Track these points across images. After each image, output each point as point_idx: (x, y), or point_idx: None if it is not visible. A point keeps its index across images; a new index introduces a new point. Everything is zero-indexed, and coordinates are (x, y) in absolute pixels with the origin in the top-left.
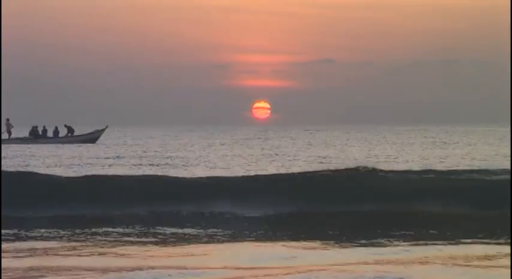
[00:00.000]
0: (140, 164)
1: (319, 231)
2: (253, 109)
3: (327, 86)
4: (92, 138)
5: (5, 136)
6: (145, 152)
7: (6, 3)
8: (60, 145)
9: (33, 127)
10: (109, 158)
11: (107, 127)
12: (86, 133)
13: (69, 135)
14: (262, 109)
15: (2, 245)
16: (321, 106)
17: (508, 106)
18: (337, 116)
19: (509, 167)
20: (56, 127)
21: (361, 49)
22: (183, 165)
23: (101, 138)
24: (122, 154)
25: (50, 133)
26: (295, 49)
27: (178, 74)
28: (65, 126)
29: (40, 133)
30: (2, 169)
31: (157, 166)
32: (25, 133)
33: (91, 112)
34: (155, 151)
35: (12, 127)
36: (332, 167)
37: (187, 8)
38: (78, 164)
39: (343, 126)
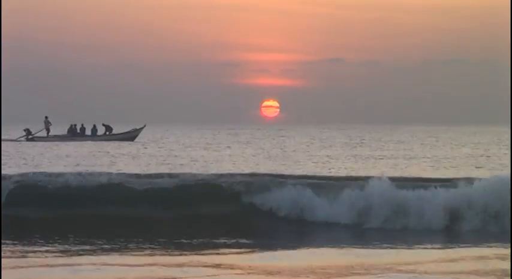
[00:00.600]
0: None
1: None
2: (262, 108)
3: (336, 85)
4: (130, 137)
5: (43, 133)
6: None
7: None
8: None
9: (71, 125)
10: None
11: (145, 125)
12: (123, 131)
13: (107, 133)
14: (271, 108)
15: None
16: (330, 106)
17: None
18: (346, 115)
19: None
20: (94, 125)
21: (370, 48)
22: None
23: (138, 136)
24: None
25: (88, 131)
26: (304, 48)
27: (187, 72)
28: (103, 124)
29: (78, 131)
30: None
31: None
32: (64, 131)
33: (97, 110)
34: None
35: (51, 124)
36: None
37: (197, 6)
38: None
39: (352, 126)
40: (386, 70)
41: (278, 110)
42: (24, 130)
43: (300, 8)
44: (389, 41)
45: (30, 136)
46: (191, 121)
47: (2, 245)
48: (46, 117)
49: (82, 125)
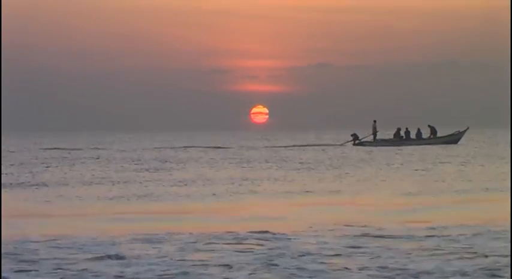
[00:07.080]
0: None
1: None
2: (251, 114)
3: (324, 90)
4: (454, 139)
5: (370, 138)
6: None
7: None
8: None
9: (397, 128)
10: None
11: (468, 128)
12: (447, 134)
13: (432, 136)
14: (260, 114)
15: None
16: (318, 111)
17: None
18: (334, 120)
19: None
20: (419, 129)
21: (358, 52)
22: None
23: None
24: None
25: (412, 135)
26: (292, 53)
27: (175, 79)
28: (429, 126)
29: (403, 135)
30: None
31: None
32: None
33: (93, 116)
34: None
35: (378, 131)
36: None
37: (185, 12)
38: None
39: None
40: (375, 74)
41: (267, 116)
42: (352, 135)
43: (286, 14)
44: (377, 44)
45: (357, 141)
46: (180, 128)
47: None
48: (374, 121)
49: (406, 129)
